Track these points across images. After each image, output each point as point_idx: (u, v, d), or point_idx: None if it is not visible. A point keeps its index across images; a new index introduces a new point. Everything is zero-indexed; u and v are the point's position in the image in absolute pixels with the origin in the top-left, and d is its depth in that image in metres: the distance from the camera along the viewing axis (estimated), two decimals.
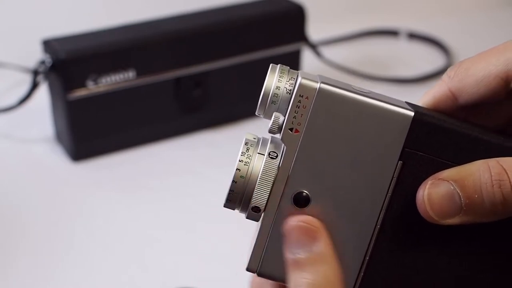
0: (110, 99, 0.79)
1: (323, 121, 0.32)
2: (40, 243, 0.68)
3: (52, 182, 0.77)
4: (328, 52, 1.03)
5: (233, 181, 0.33)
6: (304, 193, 0.32)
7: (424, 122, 0.31)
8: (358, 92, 0.32)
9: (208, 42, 0.82)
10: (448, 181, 0.30)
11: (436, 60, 1.07)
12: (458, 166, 0.30)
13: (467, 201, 0.30)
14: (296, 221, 0.32)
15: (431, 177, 0.31)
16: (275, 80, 0.32)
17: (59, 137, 0.83)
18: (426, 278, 0.32)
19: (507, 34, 1.20)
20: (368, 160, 0.32)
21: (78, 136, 0.78)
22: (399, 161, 0.31)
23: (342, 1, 1.21)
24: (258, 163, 0.33)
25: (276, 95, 0.32)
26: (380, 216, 0.32)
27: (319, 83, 0.31)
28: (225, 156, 0.81)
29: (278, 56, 0.87)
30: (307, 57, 0.95)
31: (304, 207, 0.32)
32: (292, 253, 0.32)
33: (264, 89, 0.33)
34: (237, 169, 0.33)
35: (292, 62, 0.90)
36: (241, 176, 0.33)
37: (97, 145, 0.80)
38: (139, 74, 0.79)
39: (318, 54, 0.95)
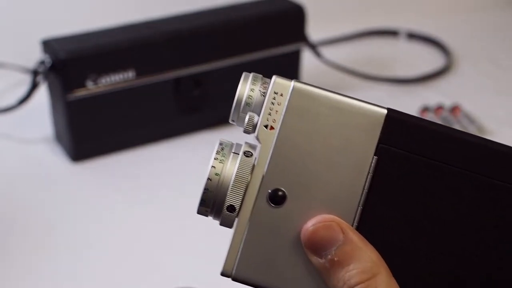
0: (109, 99, 0.78)
1: (298, 118, 0.32)
2: (39, 242, 0.67)
3: (51, 182, 0.77)
4: (328, 52, 1.03)
5: (208, 179, 0.33)
6: (280, 191, 0.32)
7: (397, 118, 0.32)
8: (332, 91, 0.33)
9: (208, 42, 0.82)
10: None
11: (436, 60, 1.07)
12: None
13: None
14: (312, 225, 0.32)
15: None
16: (249, 85, 0.33)
17: (58, 137, 0.83)
18: (407, 272, 0.32)
19: (506, 34, 1.20)
20: (343, 156, 0.32)
21: (78, 136, 0.78)
22: (374, 157, 0.32)
23: (341, 1, 1.21)
24: (233, 162, 0.33)
25: (250, 97, 0.33)
26: (358, 212, 0.32)
27: (293, 81, 0.32)
28: None
29: (278, 56, 0.87)
30: (307, 57, 0.95)
31: (280, 205, 0.32)
32: (324, 257, 0.31)
33: (238, 93, 0.33)
34: (212, 166, 0.33)
35: (292, 62, 0.90)
36: (216, 174, 0.33)
37: (97, 145, 0.80)
38: (139, 74, 0.79)
39: (317, 54, 0.95)
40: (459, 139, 0.32)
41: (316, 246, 0.31)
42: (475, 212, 0.32)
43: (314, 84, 0.33)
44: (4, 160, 0.81)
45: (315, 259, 0.32)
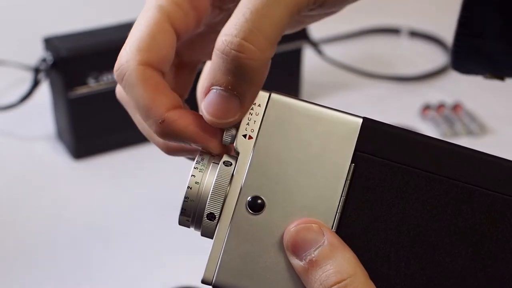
0: (111, 97, 0.78)
1: (275, 127, 0.33)
2: (41, 240, 0.68)
3: (53, 180, 0.77)
4: (330, 50, 1.03)
5: (188, 187, 0.33)
6: (259, 199, 0.33)
7: (372, 127, 0.33)
8: (309, 101, 0.33)
9: None
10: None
11: (437, 58, 1.07)
12: None
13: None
14: (295, 226, 0.32)
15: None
16: None
17: (60, 135, 0.83)
18: (386, 278, 0.32)
19: None
20: (321, 164, 0.33)
21: (79, 133, 0.78)
22: (352, 164, 0.32)
23: None
24: (213, 171, 0.33)
25: None
26: (336, 218, 0.32)
27: (270, 92, 0.33)
28: None
29: (280, 54, 0.86)
30: (309, 55, 0.95)
31: (260, 212, 0.33)
32: (304, 259, 0.31)
33: None
34: (192, 175, 0.33)
35: (294, 60, 0.89)
36: (196, 182, 0.33)
37: (98, 142, 0.80)
38: None
39: (319, 52, 0.95)
40: (434, 146, 0.32)
41: (297, 247, 0.32)
42: (452, 218, 0.32)
43: (291, 95, 0.33)
44: (6, 157, 0.81)
45: (295, 262, 0.32)
